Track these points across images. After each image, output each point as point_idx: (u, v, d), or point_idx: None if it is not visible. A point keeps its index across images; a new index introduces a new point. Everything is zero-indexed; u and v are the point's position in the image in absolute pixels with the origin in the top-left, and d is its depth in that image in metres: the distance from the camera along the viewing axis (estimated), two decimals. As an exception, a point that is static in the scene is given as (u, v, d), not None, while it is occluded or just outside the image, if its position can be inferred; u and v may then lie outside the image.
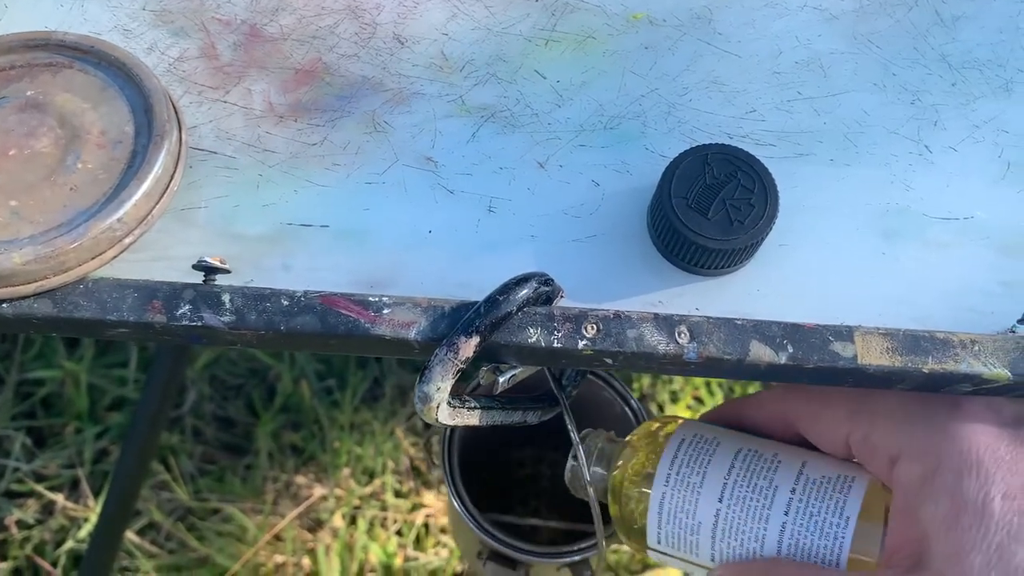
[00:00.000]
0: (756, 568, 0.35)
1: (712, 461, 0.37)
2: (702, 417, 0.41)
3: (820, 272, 0.36)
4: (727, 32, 0.41)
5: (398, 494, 1.05)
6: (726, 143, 0.36)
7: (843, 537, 0.34)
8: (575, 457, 0.42)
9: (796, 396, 0.37)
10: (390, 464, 1.06)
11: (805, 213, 0.37)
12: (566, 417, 0.38)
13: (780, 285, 0.36)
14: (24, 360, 1.08)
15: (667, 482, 0.37)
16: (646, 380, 1.15)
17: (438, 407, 0.32)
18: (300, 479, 1.04)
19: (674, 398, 1.14)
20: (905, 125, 0.39)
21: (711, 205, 0.34)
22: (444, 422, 0.33)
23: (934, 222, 0.37)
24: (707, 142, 0.36)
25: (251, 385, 1.10)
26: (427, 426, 1.06)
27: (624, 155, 0.38)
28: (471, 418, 0.35)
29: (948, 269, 0.36)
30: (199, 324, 0.33)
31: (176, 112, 0.36)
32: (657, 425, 0.40)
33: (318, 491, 1.04)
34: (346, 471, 1.05)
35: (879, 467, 0.34)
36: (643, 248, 0.36)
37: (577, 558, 0.47)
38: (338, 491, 1.04)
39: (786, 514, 0.35)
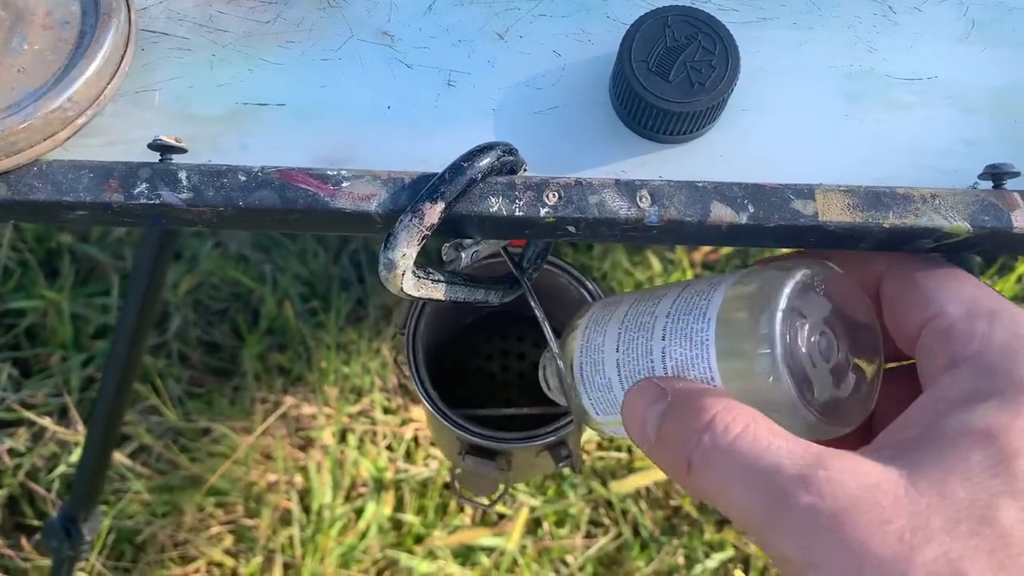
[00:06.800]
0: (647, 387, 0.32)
1: (612, 318, 0.36)
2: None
3: (783, 136, 0.36)
4: (688, -102, 0.40)
5: (386, 410, 1.07)
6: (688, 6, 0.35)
7: (708, 341, 0.32)
8: (547, 349, 0.42)
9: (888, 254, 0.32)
10: (377, 382, 1.07)
11: (768, 78, 0.37)
12: (529, 296, 0.38)
13: (743, 150, 0.36)
14: (3, 292, 1.08)
15: (581, 352, 0.37)
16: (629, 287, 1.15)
17: (403, 275, 0.32)
18: (288, 399, 1.05)
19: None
20: (869, -13, 0.38)
21: (672, 68, 0.34)
22: (409, 292, 0.33)
23: (897, 83, 0.37)
24: (668, 6, 0.36)
25: (235, 309, 1.10)
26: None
27: (585, 24, 0.37)
28: (436, 291, 0.35)
29: (911, 129, 0.36)
30: (157, 202, 0.32)
31: (123, -9, 0.35)
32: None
33: (307, 410, 1.05)
34: (334, 390, 1.06)
35: (933, 363, 0.30)
36: (606, 118, 0.36)
37: (553, 439, 0.47)
38: (327, 410, 1.05)
39: (664, 339, 0.33)
